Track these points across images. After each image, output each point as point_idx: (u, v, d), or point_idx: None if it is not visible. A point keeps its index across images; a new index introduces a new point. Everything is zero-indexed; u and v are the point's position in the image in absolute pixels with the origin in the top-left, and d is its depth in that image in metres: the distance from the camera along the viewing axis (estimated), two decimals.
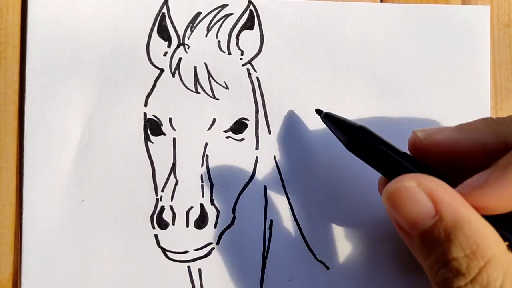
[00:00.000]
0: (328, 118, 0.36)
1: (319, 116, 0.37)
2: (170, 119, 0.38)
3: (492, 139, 0.29)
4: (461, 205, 0.26)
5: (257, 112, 0.39)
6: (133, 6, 0.39)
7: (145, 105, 0.38)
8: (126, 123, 0.38)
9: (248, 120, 0.39)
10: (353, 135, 0.34)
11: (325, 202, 0.38)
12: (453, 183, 0.28)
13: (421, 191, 0.26)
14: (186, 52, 0.39)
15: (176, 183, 0.38)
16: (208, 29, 0.39)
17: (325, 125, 0.37)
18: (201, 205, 0.38)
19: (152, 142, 0.38)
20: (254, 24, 0.39)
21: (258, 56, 0.39)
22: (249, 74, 0.39)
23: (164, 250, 0.38)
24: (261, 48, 0.39)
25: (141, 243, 0.38)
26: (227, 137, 0.38)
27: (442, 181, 0.27)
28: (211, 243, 0.38)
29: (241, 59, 0.39)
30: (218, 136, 0.38)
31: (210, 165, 0.38)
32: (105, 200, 0.38)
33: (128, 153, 0.38)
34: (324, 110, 0.37)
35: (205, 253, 0.38)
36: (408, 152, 0.33)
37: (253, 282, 0.38)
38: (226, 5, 0.39)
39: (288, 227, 0.38)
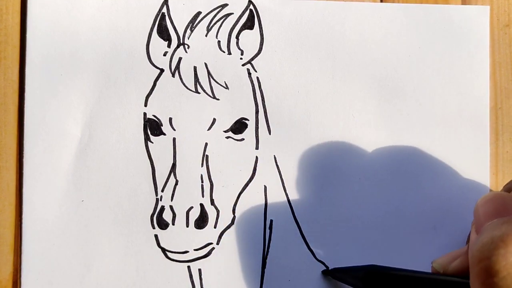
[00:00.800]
0: (336, 272, 0.37)
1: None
2: (170, 119, 0.38)
3: None
4: None
5: (257, 112, 0.39)
6: (133, 6, 0.39)
7: (145, 105, 0.38)
8: (126, 123, 0.38)
9: (248, 120, 0.39)
10: (367, 282, 0.34)
11: (325, 202, 0.38)
12: None
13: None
14: (186, 52, 0.39)
15: (176, 183, 0.38)
16: (208, 29, 0.39)
17: (326, 118, 0.37)
18: (201, 205, 0.38)
19: (152, 142, 0.38)
20: (254, 24, 0.39)
21: (258, 56, 0.39)
22: (249, 74, 0.39)
23: (164, 250, 0.38)
24: (261, 48, 0.39)
25: (141, 243, 0.38)
26: (227, 137, 0.38)
27: None
28: (211, 243, 0.38)
29: (241, 59, 0.39)
30: (218, 136, 0.38)
31: (210, 165, 0.38)
32: (105, 200, 0.38)
33: (128, 153, 0.38)
34: (324, 113, 0.37)
35: (205, 253, 0.38)
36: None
37: (253, 282, 0.38)
38: (226, 4, 0.39)
39: (288, 227, 0.38)
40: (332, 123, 0.39)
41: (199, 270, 0.38)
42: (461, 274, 0.32)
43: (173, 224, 0.38)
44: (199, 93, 0.38)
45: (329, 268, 0.38)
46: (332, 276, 0.37)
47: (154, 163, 0.38)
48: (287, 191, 0.39)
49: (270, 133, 0.39)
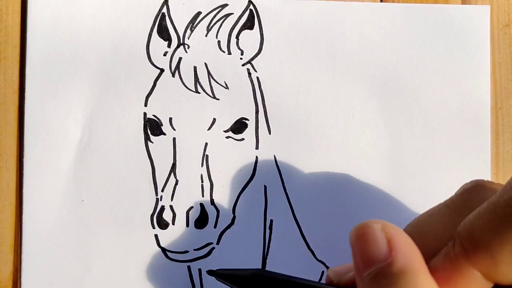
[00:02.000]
0: (220, 276, 0.34)
1: None
2: (170, 119, 0.38)
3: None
4: (414, 257, 0.27)
5: (257, 112, 0.39)
6: (133, 6, 0.39)
7: (145, 105, 0.38)
8: (126, 123, 0.38)
9: (248, 120, 0.39)
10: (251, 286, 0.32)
11: (325, 202, 0.38)
12: None
13: (383, 235, 0.28)
14: (186, 52, 0.39)
15: (176, 183, 0.38)
16: (208, 29, 0.39)
17: (325, 117, 0.37)
18: (201, 205, 0.38)
19: (152, 142, 0.38)
20: (254, 24, 0.39)
21: (258, 56, 0.39)
22: (249, 74, 0.39)
23: (164, 250, 0.38)
24: (261, 48, 0.39)
25: (141, 243, 0.38)
26: (227, 137, 0.38)
27: (404, 232, 0.29)
28: (211, 243, 0.38)
29: (241, 59, 0.39)
30: (218, 136, 0.38)
31: (210, 165, 0.38)
32: (105, 200, 0.38)
33: (128, 153, 0.38)
34: (324, 113, 0.37)
35: (205, 253, 0.38)
36: None
37: None
38: (226, 5, 0.39)
39: (288, 227, 0.38)
40: (332, 123, 0.39)
41: (199, 270, 0.38)
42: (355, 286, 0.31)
43: (173, 224, 0.38)
44: (199, 93, 0.38)
45: (261, 269, 0.36)
46: (216, 277, 0.34)
47: (154, 163, 0.38)
48: (287, 191, 0.39)
49: (270, 133, 0.39)
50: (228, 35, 0.39)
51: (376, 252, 0.28)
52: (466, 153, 0.39)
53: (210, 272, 0.35)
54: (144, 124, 0.38)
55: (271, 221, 0.38)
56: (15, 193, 0.38)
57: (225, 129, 0.38)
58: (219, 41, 0.39)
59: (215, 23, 0.39)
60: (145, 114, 0.38)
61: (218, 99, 0.39)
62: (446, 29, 0.40)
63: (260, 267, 0.38)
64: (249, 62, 0.39)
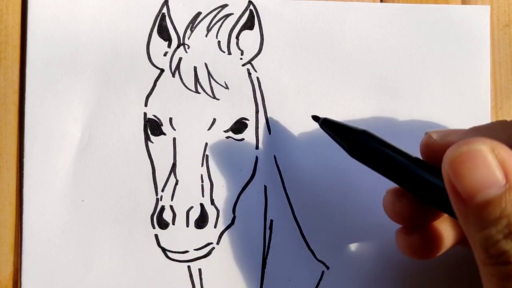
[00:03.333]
0: (326, 124, 0.35)
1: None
2: (170, 119, 0.38)
3: (508, 140, 0.28)
4: None
5: (257, 112, 0.39)
6: (133, 6, 0.39)
7: (145, 105, 0.38)
8: (126, 123, 0.38)
9: (248, 120, 0.39)
10: (356, 141, 0.32)
11: (325, 202, 0.38)
12: None
13: (494, 157, 0.25)
14: (186, 52, 0.39)
15: (176, 183, 0.38)
16: (208, 29, 0.39)
17: (325, 117, 0.36)
18: (201, 205, 0.38)
19: (152, 142, 0.38)
20: (254, 24, 0.39)
21: (258, 56, 0.39)
22: (249, 74, 0.39)
23: (164, 250, 0.38)
24: (261, 48, 0.39)
25: (141, 243, 0.38)
26: (227, 137, 0.38)
27: None
28: (211, 243, 0.38)
29: (241, 59, 0.39)
30: (218, 136, 0.38)
31: (210, 165, 0.38)
32: (105, 200, 0.38)
33: (128, 153, 0.38)
34: (323, 113, 0.37)
35: (205, 253, 0.38)
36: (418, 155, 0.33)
37: (253, 282, 0.38)
38: (226, 5, 0.39)
39: (288, 227, 0.38)
40: None
41: (199, 270, 0.38)
42: None
43: (173, 224, 0.38)
44: (199, 93, 0.39)
45: None
46: (321, 124, 0.35)
47: (154, 163, 0.38)
48: (287, 191, 0.39)
49: (270, 133, 0.39)
50: (228, 35, 0.39)
51: (490, 178, 0.25)
52: None
53: (315, 118, 0.35)
54: (144, 124, 0.38)
55: (271, 221, 0.38)
56: (15, 193, 0.38)
57: (225, 129, 0.38)
58: (219, 41, 0.39)
59: (215, 23, 0.39)
60: (145, 114, 0.38)
61: (218, 99, 0.39)
62: (446, 29, 0.40)
63: (260, 267, 0.38)
64: (249, 62, 0.39)
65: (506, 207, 0.24)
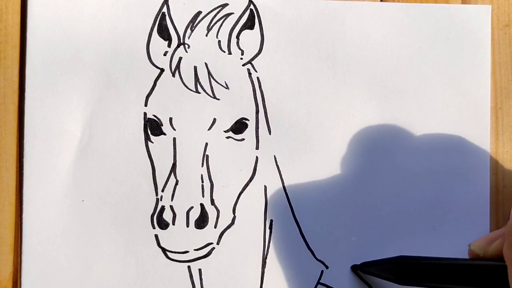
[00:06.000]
0: (367, 268, 0.37)
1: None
2: (170, 119, 0.38)
3: None
4: None
5: (257, 112, 0.39)
6: (133, 6, 0.39)
7: (145, 105, 0.38)
8: (126, 123, 0.38)
9: (248, 120, 0.39)
10: (398, 269, 0.34)
11: (325, 202, 0.39)
12: None
13: None
14: (186, 51, 0.39)
15: (177, 183, 0.38)
16: (209, 29, 0.39)
17: (326, 118, 0.37)
18: (201, 205, 0.38)
19: (152, 142, 0.38)
20: (254, 24, 0.39)
21: (259, 56, 0.39)
22: (250, 74, 0.39)
23: (164, 250, 0.38)
24: (262, 48, 0.39)
25: (141, 243, 0.38)
26: (228, 137, 0.38)
27: None
28: (211, 243, 0.38)
29: (241, 59, 0.39)
30: (218, 136, 0.38)
31: (211, 165, 0.38)
32: (105, 200, 0.38)
33: (128, 153, 0.38)
34: (324, 113, 0.37)
35: (205, 253, 0.38)
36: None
37: (253, 282, 0.38)
38: (227, 4, 0.39)
39: (288, 227, 0.38)
40: (332, 123, 0.39)
41: (199, 270, 0.38)
42: (501, 257, 0.31)
43: (173, 224, 0.38)
44: (199, 93, 0.38)
45: (357, 264, 0.38)
46: (362, 271, 0.37)
47: (154, 163, 0.38)
48: (287, 191, 0.39)
49: (270, 133, 0.39)
50: (229, 35, 0.39)
51: None
52: (465, 153, 0.39)
53: (355, 267, 0.38)
54: (144, 124, 0.38)
55: (271, 221, 0.38)
56: (15, 193, 0.38)
57: (226, 129, 0.38)
58: (219, 41, 0.39)
59: (215, 23, 0.39)
60: (145, 114, 0.38)
61: (218, 99, 0.38)
62: (446, 29, 0.39)
63: (260, 266, 0.38)
64: (250, 62, 0.39)
65: None
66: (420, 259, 0.34)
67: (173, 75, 0.39)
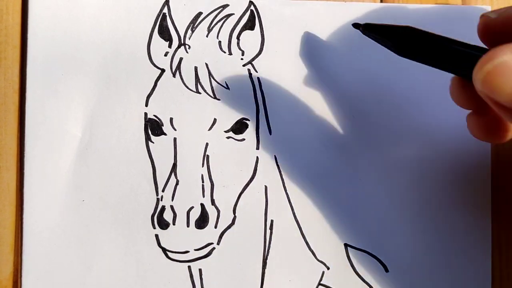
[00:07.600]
0: (369, 29, 0.34)
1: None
2: (171, 119, 0.38)
3: None
4: None
5: (257, 112, 0.39)
6: (134, 6, 0.39)
7: (146, 105, 0.38)
8: (126, 123, 0.38)
9: (248, 120, 0.39)
10: (402, 38, 0.31)
11: (325, 202, 0.39)
12: None
13: None
14: (187, 52, 0.39)
15: (177, 183, 0.38)
16: (209, 29, 0.39)
17: (326, 118, 0.36)
18: (202, 205, 0.38)
19: (153, 142, 0.38)
20: (255, 25, 0.39)
21: (259, 56, 0.39)
22: (250, 74, 0.39)
23: (164, 250, 0.38)
24: (262, 48, 0.39)
25: (142, 243, 0.38)
26: (228, 137, 0.38)
27: None
28: (212, 243, 0.38)
29: (242, 59, 0.39)
30: (218, 136, 0.38)
31: (211, 165, 0.38)
32: (105, 200, 0.38)
33: (129, 153, 0.38)
34: (324, 113, 0.37)
35: (205, 253, 0.38)
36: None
37: (254, 282, 0.38)
38: (227, 5, 0.39)
39: (289, 227, 0.38)
40: (332, 123, 0.39)
41: (200, 270, 0.38)
42: None
43: (173, 224, 0.38)
44: (200, 93, 0.39)
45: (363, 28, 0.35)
46: (362, 32, 0.35)
47: (155, 163, 0.38)
48: (287, 191, 0.39)
49: (270, 133, 0.39)
50: (229, 36, 0.39)
51: None
52: (466, 152, 0.39)
53: (356, 25, 0.35)
54: (144, 124, 0.38)
55: (272, 221, 0.38)
56: (15, 193, 0.38)
57: (226, 129, 0.38)
58: (220, 42, 0.39)
59: (216, 24, 0.39)
60: (145, 114, 0.38)
61: (218, 99, 0.39)
62: (447, 30, 0.39)
63: (260, 267, 0.38)
64: (250, 62, 0.39)
65: None
66: (428, 34, 0.31)
67: (174, 75, 0.39)
